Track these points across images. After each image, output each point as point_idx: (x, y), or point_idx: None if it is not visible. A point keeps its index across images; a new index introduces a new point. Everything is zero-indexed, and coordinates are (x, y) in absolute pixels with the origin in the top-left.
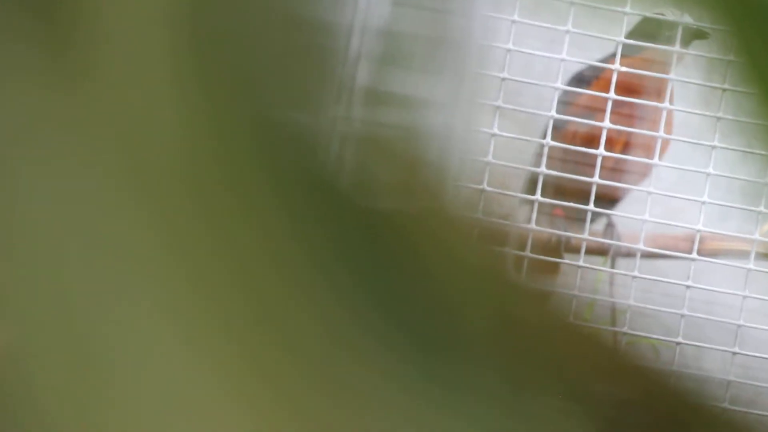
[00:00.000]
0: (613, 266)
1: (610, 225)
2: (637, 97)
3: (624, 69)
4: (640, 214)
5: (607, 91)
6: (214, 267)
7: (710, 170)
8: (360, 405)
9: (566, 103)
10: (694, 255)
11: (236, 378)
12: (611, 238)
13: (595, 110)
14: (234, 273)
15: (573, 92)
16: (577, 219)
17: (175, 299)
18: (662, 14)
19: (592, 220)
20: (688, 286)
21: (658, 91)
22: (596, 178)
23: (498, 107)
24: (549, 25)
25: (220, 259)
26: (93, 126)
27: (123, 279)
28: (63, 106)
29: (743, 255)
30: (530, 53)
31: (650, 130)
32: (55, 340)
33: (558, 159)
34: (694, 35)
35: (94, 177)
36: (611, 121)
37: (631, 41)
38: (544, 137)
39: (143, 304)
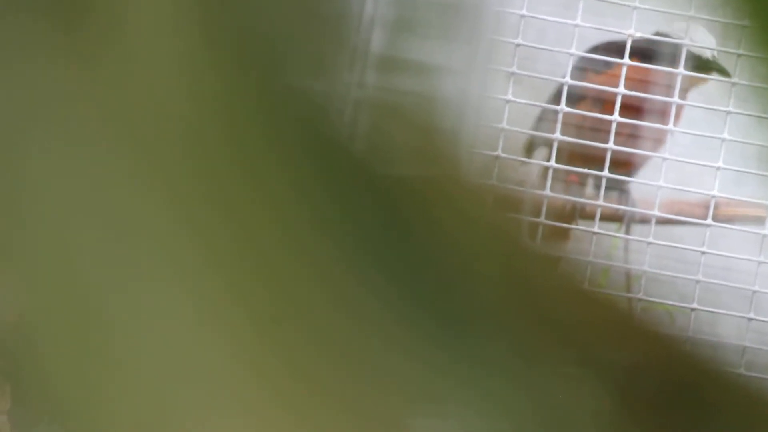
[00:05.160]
0: (627, 232)
1: (624, 192)
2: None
3: (639, 35)
4: (654, 180)
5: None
6: (225, 237)
7: (725, 136)
8: (372, 376)
9: (592, 71)
10: (709, 221)
11: (247, 349)
12: (626, 205)
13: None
14: (245, 244)
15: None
16: (593, 185)
17: (186, 271)
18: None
19: (610, 188)
20: (703, 252)
21: (672, 57)
22: (611, 144)
23: (512, 73)
24: None
25: (230, 229)
26: (107, 100)
27: (134, 253)
28: (78, 81)
29: (758, 221)
30: (544, 19)
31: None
32: (67, 312)
33: (572, 125)
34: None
35: (106, 151)
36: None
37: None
38: (553, 102)
39: (154, 276)
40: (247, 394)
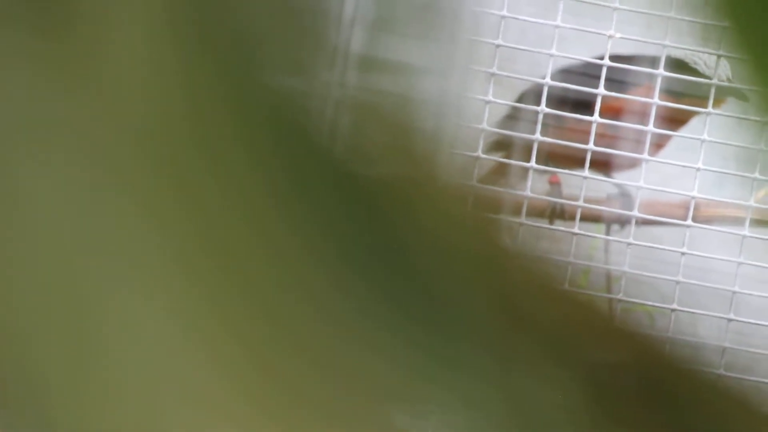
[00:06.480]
0: (608, 233)
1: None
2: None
3: (619, 36)
4: (635, 181)
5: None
6: (201, 245)
7: (705, 136)
8: (349, 381)
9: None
10: (689, 222)
11: (226, 359)
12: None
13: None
14: (222, 250)
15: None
16: (575, 186)
17: (162, 278)
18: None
19: (594, 188)
20: (683, 253)
21: (652, 61)
22: (591, 145)
23: (492, 74)
24: None
25: (207, 236)
26: (89, 113)
27: (117, 266)
28: (60, 92)
29: (738, 222)
30: (525, 20)
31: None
32: (50, 318)
33: (554, 127)
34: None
35: (85, 162)
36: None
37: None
38: (525, 102)
39: (131, 283)
40: (228, 403)
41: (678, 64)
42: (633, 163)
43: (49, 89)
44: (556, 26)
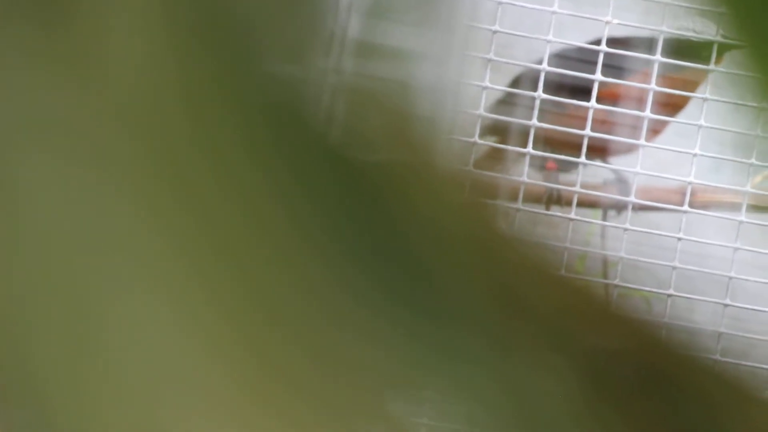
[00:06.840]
0: (604, 219)
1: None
2: (628, 50)
3: (617, 22)
4: (631, 166)
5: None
6: (202, 237)
7: (702, 122)
8: (345, 369)
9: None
10: (686, 207)
11: (227, 356)
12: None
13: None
14: (220, 244)
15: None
16: (571, 172)
17: (163, 274)
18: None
19: (591, 174)
20: (679, 239)
21: (648, 44)
22: (588, 131)
23: (489, 60)
24: None
25: (207, 230)
26: (89, 110)
27: (117, 264)
28: (60, 90)
29: (735, 207)
30: (522, 6)
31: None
32: (52, 321)
33: (550, 112)
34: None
35: (90, 161)
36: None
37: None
38: (518, 87)
39: (136, 284)
40: (229, 400)
41: (674, 42)
42: (630, 149)
43: (48, 87)
44: (553, 12)
